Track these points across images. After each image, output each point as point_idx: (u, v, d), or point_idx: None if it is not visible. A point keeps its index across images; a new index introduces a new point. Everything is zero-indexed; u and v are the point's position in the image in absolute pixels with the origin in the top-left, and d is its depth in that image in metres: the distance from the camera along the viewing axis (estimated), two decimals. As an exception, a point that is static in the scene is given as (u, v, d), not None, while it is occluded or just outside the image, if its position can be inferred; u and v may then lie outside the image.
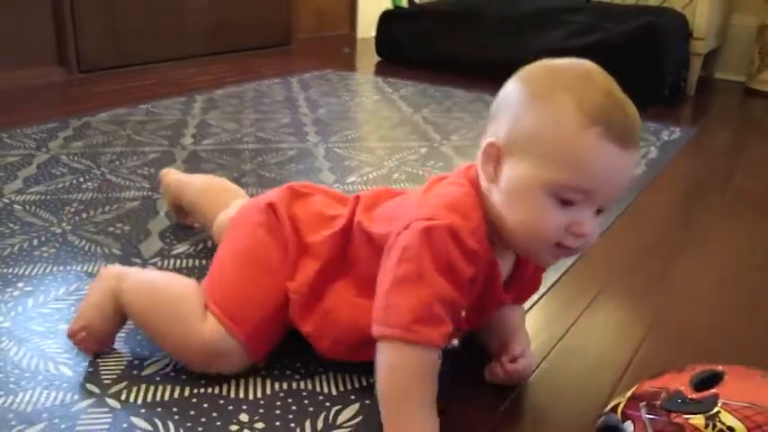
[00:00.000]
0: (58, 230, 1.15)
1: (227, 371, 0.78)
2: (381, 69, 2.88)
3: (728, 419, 0.51)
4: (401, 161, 1.63)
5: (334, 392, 0.77)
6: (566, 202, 0.67)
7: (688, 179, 1.67)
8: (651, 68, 2.33)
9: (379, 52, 3.03)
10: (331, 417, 0.73)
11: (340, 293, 0.79)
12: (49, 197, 1.29)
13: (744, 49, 2.88)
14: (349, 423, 0.72)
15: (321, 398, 0.76)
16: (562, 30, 2.51)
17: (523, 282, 0.81)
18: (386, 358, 0.67)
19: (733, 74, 2.96)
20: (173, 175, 1.17)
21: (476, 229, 0.69)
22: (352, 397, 0.77)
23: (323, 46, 3.38)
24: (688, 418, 0.52)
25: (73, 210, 1.24)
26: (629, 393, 0.59)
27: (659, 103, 2.33)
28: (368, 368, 0.80)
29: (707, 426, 0.51)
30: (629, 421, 0.56)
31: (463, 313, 0.73)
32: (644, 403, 0.56)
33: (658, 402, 0.55)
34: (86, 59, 2.41)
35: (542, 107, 0.67)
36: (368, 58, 3.10)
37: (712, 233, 1.33)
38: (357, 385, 0.79)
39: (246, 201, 0.99)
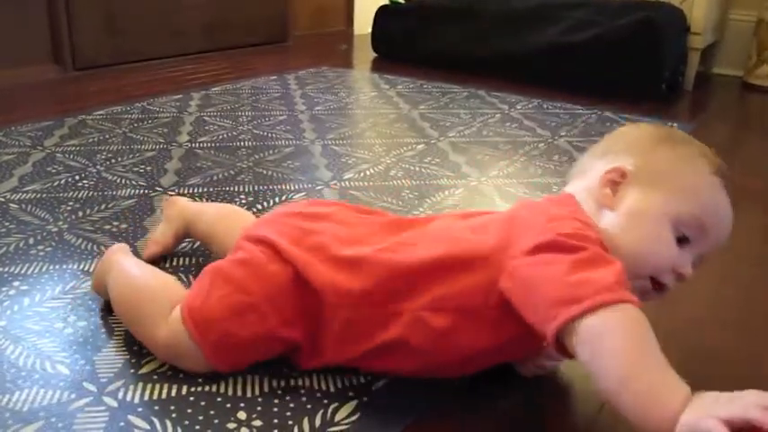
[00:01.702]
0: (54, 229, 1.14)
1: (190, 368, 0.78)
2: (378, 66, 2.88)
3: None
4: (398, 158, 1.62)
5: (332, 390, 0.77)
6: (680, 241, 0.72)
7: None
8: (649, 63, 2.33)
9: (375, 48, 3.02)
10: (329, 414, 0.73)
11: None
12: (44, 195, 1.29)
13: (741, 44, 2.87)
14: (347, 420, 0.72)
15: (319, 395, 0.76)
16: (560, 25, 2.50)
17: None
18: (601, 324, 0.60)
19: (731, 69, 2.96)
20: (187, 202, 1.08)
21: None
22: (350, 394, 0.76)
23: (319, 43, 3.37)
24: None
25: (69, 208, 1.23)
26: None
27: (657, 97, 2.32)
28: (366, 365, 0.80)
29: None
30: None
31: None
32: None
33: None
34: (81, 57, 2.40)
35: (672, 150, 0.75)
36: (364, 54, 3.09)
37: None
38: (355, 383, 0.78)
39: (256, 221, 0.92)
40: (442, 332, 0.71)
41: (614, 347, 0.59)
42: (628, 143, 0.78)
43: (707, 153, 0.75)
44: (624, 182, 0.74)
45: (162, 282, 0.85)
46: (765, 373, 0.86)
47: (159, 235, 1.05)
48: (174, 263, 1.05)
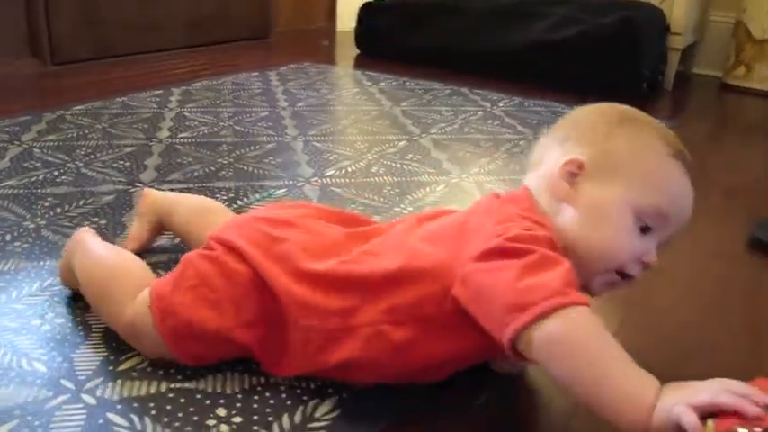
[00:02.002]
0: (32, 225, 1.13)
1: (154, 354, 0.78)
2: (361, 62, 2.88)
3: None
4: (380, 154, 1.62)
5: (312, 386, 0.77)
6: (643, 230, 0.71)
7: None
8: (629, 63, 2.35)
9: (358, 45, 3.02)
10: (309, 410, 0.73)
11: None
12: (22, 191, 1.27)
13: (720, 44, 2.90)
14: (327, 417, 0.72)
15: (299, 391, 0.76)
16: (542, 23, 2.51)
17: None
18: (555, 333, 0.60)
19: (710, 69, 2.99)
20: (159, 194, 1.07)
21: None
22: (330, 390, 0.76)
23: (302, 39, 3.36)
24: None
25: (47, 204, 1.22)
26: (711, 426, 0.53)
27: (637, 96, 2.34)
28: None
29: None
30: None
31: None
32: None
33: None
34: (60, 51, 2.37)
35: (629, 136, 0.73)
36: (347, 50, 3.09)
37: (686, 225, 1.34)
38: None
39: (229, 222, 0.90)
40: (401, 345, 0.70)
41: (577, 352, 0.60)
42: (583, 130, 0.75)
43: (665, 135, 0.74)
44: (582, 174, 0.72)
45: (131, 263, 0.87)
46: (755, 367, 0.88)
47: (134, 231, 1.05)
48: (150, 258, 1.04)
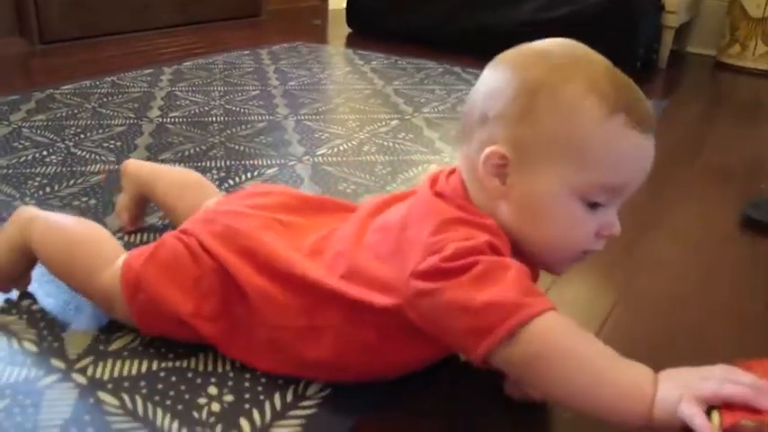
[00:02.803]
0: (21, 205, 1.12)
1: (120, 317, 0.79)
2: (352, 41, 2.86)
3: None
4: (372, 133, 1.61)
5: (304, 365, 0.77)
6: (593, 205, 0.63)
7: (658, 151, 1.67)
8: (623, 41, 2.33)
9: (350, 24, 2.99)
10: (300, 389, 0.73)
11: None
12: (11, 171, 1.26)
13: (715, 23, 2.89)
14: (318, 395, 0.72)
15: (291, 370, 0.76)
16: (536, 1, 2.50)
17: None
18: (529, 352, 0.56)
19: (704, 48, 2.98)
20: (139, 165, 1.05)
21: (508, 251, 0.63)
22: (322, 369, 0.76)
23: (293, 17, 3.33)
24: None
25: (36, 184, 1.21)
26: (716, 420, 0.52)
27: (631, 75, 2.32)
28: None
29: None
30: None
31: None
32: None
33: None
34: (49, 30, 2.35)
35: (551, 102, 0.61)
36: (339, 29, 3.06)
37: (680, 204, 1.34)
38: (327, 358, 0.78)
39: (213, 206, 0.88)
40: (369, 345, 0.68)
41: (560, 363, 0.57)
42: (503, 102, 0.63)
43: (597, 86, 0.61)
44: (509, 166, 0.63)
45: (100, 232, 0.85)
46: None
47: (120, 202, 1.05)
48: (141, 237, 1.03)
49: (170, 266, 0.76)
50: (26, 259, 0.85)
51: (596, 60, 0.65)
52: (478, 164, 0.65)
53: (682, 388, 0.52)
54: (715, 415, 0.51)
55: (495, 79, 0.66)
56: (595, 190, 0.62)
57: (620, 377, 0.55)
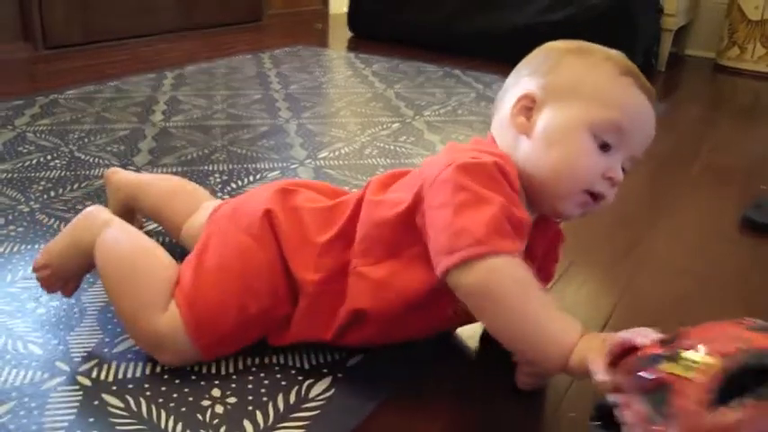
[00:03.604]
0: (26, 209, 1.13)
1: (167, 362, 0.76)
2: (354, 45, 2.87)
3: (690, 356, 0.53)
4: (373, 136, 1.62)
5: (306, 366, 0.77)
6: (603, 147, 0.71)
7: (658, 153, 1.69)
8: (622, 44, 2.31)
9: (351, 28, 3.00)
10: (303, 390, 0.73)
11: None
12: (15, 175, 1.27)
13: (713, 25, 2.90)
14: (321, 396, 0.73)
15: (293, 372, 0.76)
16: (536, 4, 2.51)
17: (538, 253, 0.79)
18: (476, 283, 0.63)
19: (703, 50, 2.99)
20: (124, 175, 1.04)
21: (516, 178, 0.69)
22: (325, 370, 0.77)
23: (295, 21, 3.34)
24: (658, 368, 0.53)
25: (41, 188, 1.22)
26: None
27: (630, 78, 2.34)
28: (340, 342, 0.81)
29: (673, 365, 0.52)
30: (617, 393, 0.56)
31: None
32: (622, 374, 0.56)
33: (635, 368, 0.55)
34: (52, 35, 2.36)
35: (577, 60, 0.74)
36: (340, 33, 3.07)
37: (681, 205, 1.35)
38: (329, 359, 0.79)
39: (230, 200, 0.90)
40: (380, 282, 0.72)
41: (500, 300, 0.63)
42: (534, 66, 0.76)
43: (612, 56, 0.74)
44: (536, 106, 0.73)
45: (160, 252, 0.81)
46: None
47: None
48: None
49: (225, 280, 0.76)
50: (85, 262, 0.81)
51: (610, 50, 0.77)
52: (508, 114, 0.75)
53: (597, 340, 0.59)
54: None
55: (530, 55, 0.79)
56: (607, 126, 0.70)
57: (549, 324, 0.62)
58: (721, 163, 1.64)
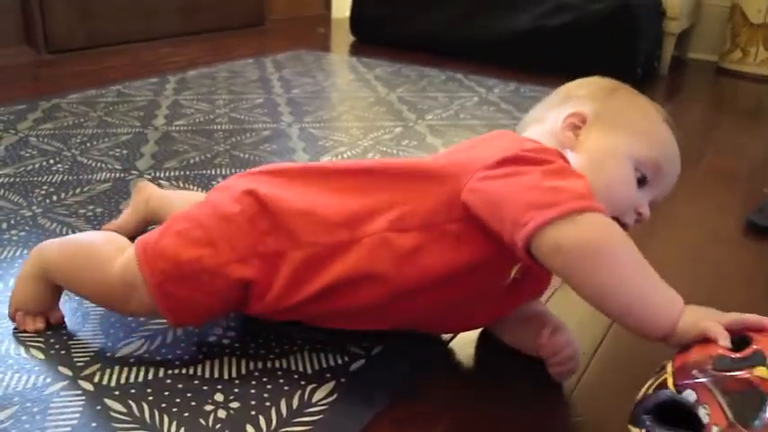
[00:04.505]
0: (29, 213, 1.13)
1: (142, 312, 0.78)
2: (356, 49, 2.87)
3: None
4: (376, 140, 1.62)
5: (309, 371, 0.77)
6: (640, 183, 0.74)
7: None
8: (624, 47, 2.34)
9: (353, 32, 3.01)
10: (306, 395, 0.73)
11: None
12: (18, 179, 1.27)
13: (716, 29, 2.90)
14: (324, 401, 0.72)
15: (296, 376, 0.76)
16: (537, 9, 2.51)
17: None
18: (584, 236, 0.62)
19: (705, 54, 2.98)
20: (155, 189, 1.07)
21: None
22: (328, 375, 0.77)
23: (297, 26, 3.35)
24: (751, 371, 0.52)
25: (43, 192, 1.22)
26: (669, 369, 0.58)
27: (632, 82, 2.33)
28: (342, 346, 0.81)
29: None
30: (689, 390, 0.54)
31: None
32: (695, 371, 0.55)
33: (709, 367, 0.54)
34: (55, 40, 2.36)
35: (628, 96, 0.80)
36: (343, 37, 3.08)
37: (683, 209, 1.34)
38: (332, 363, 0.79)
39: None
40: (407, 252, 0.70)
41: (613, 261, 0.62)
42: (587, 91, 0.80)
43: (655, 104, 0.80)
44: (585, 126, 0.77)
45: (106, 232, 0.86)
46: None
47: (121, 220, 1.06)
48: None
49: (189, 228, 0.75)
50: (49, 287, 0.82)
51: None
52: (556, 125, 0.78)
53: (704, 313, 0.61)
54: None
55: (574, 81, 0.84)
56: (649, 163, 0.74)
57: (660, 287, 0.62)
58: (724, 166, 1.64)
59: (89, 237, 0.87)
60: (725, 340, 0.56)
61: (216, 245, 0.74)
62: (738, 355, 0.54)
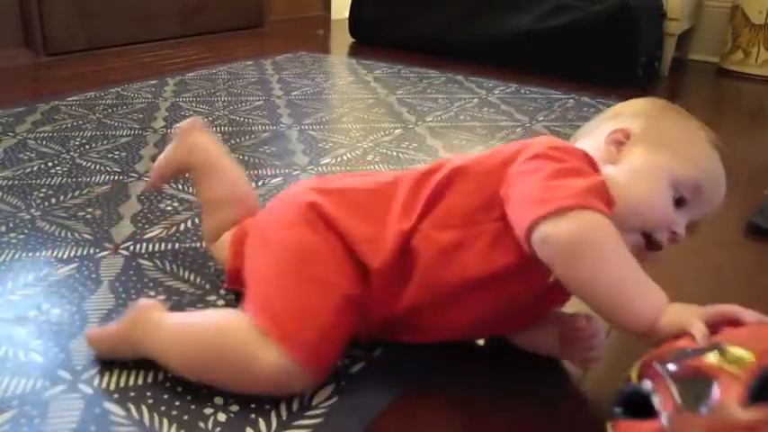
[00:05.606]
0: (27, 216, 1.13)
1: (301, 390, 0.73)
2: (356, 51, 2.87)
3: (737, 351, 0.53)
4: (376, 142, 1.62)
5: (309, 374, 0.77)
6: (678, 203, 0.74)
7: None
8: (625, 49, 2.34)
9: (353, 33, 3.01)
10: (306, 398, 0.73)
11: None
12: (16, 182, 1.27)
13: (717, 29, 2.90)
14: (324, 404, 0.72)
15: (296, 380, 0.76)
16: (538, 10, 2.50)
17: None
18: (571, 230, 0.64)
19: (706, 55, 2.98)
20: (200, 147, 1.00)
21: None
22: (328, 378, 0.76)
23: (296, 27, 3.35)
24: (701, 358, 0.54)
25: (42, 195, 1.22)
26: (636, 363, 0.60)
27: (633, 83, 2.34)
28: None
29: (720, 358, 0.52)
30: (647, 380, 0.56)
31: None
32: (655, 362, 0.57)
33: (668, 358, 0.56)
34: (53, 42, 2.36)
35: (678, 118, 0.80)
36: (342, 39, 3.08)
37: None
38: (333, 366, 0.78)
39: (244, 226, 0.89)
40: (448, 246, 0.72)
41: (597, 254, 0.64)
42: (637, 109, 0.81)
43: (706, 128, 0.80)
44: (628, 142, 0.77)
45: (217, 312, 0.81)
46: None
47: (163, 159, 1.03)
48: (147, 247, 1.04)
49: (278, 275, 0.74)
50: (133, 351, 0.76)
51: None
52: (601, 140, 0.79)
53: (686, 309, 0.62)
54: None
55: (631, 100, 0.85)
56: (689, 183, 0.74)
57: (644, 282, 0.64)
58: (725, 167, 1.63)
59: (208, 320, 0.76)
60: (702, 335, 0.57)
61: (328, 280, 0.73)
62: (698, 347, 0.55)
